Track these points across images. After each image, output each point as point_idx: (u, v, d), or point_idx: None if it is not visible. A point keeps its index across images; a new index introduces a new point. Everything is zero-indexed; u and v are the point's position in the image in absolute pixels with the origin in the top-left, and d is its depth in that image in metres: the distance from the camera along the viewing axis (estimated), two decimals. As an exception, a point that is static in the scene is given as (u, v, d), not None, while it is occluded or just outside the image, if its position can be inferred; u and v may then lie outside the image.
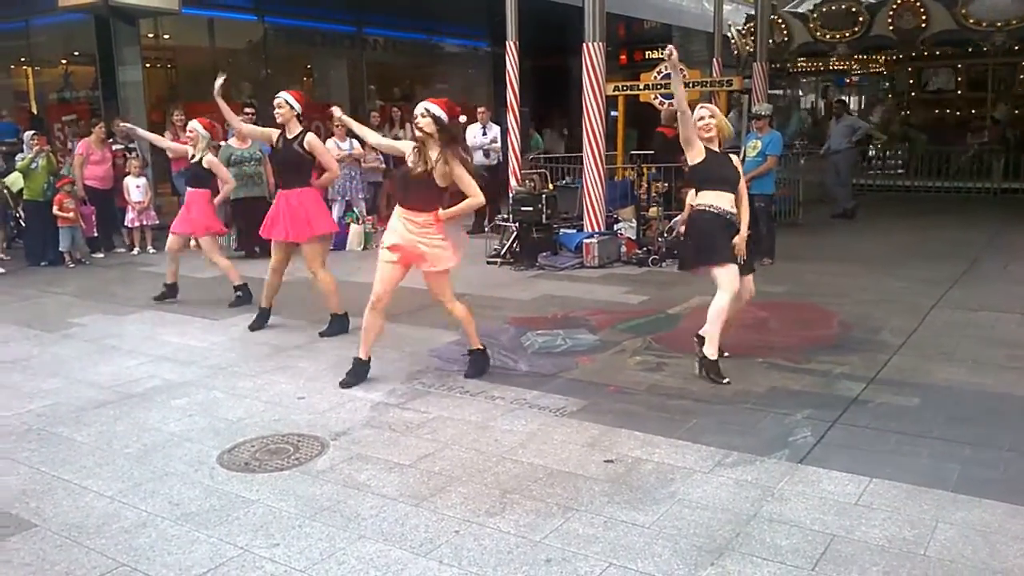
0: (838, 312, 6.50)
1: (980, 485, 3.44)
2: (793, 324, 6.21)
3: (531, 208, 9.23)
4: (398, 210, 4.98)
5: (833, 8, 13.44)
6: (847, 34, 13.42)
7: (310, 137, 6.05)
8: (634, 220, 9.56)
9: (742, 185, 5.16)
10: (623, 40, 19.44)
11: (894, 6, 12.83)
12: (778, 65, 16.12)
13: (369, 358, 5.11)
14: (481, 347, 5.25)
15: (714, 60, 15.23)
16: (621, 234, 9.44)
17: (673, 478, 3.62)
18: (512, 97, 10.63)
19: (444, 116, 4.82)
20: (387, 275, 4.96)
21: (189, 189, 7.37)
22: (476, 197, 4.97)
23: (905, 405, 4.46)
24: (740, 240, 4.99)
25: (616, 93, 12.05)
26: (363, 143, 11.08)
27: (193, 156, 7.26)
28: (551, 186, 10.28)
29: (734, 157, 5.29)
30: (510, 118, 10.71)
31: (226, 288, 7.34)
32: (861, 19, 13.17)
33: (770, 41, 14.32)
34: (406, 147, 5.12)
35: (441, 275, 5.03)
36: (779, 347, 5.57)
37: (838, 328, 6.13)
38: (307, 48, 15.43)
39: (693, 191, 5.29)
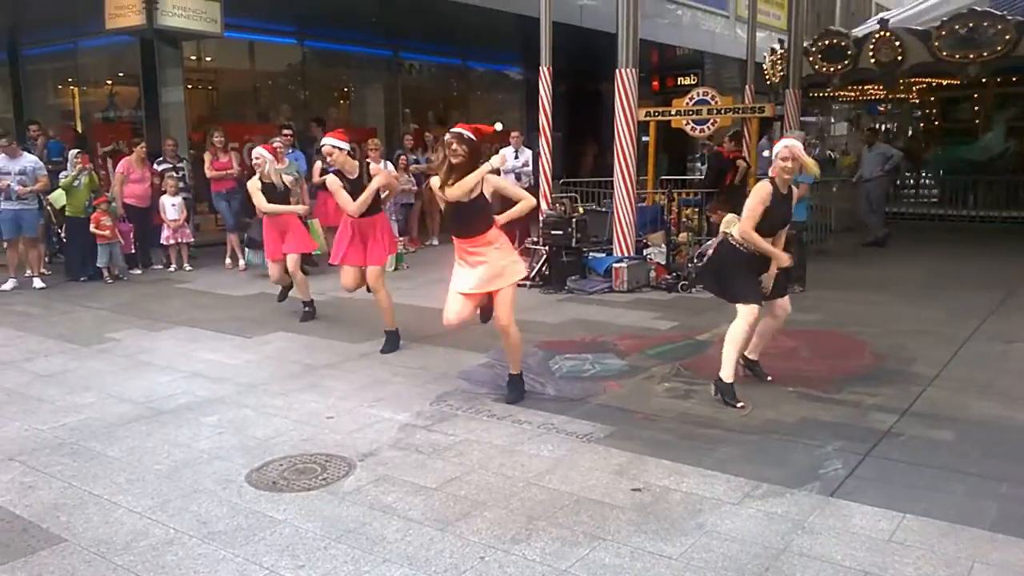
0: (870, 342, 6.42)
1: (1018, 524, 3.36)
2: (824, 353, 6.13)
3: (561, 232, 9.24)
4: (458, 247, 5.07)
5: (826, 43, 13.92)
6: (839, 67, 13.92)
7: (373, 168, 6.42)
8: (664, 245, 9.54)
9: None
10: (655, 66, 19.49)
11: (873, 40, 13.31)
12: (813, 93, 16.19)
13: (520, 372, 5.24)
14: (520, 372, 5.27)
15: (747, 87, 15.21)
16: (650, 259, 9.42)
17: (701, 509, 3.58)
18: (544, 121, 10.69)
19: (473, 137, 4.93)
20: (458, 300, 5.11)
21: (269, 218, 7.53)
22: (527, 200, 5.11)
23: (939, 439, 4.38)
24: (768, 278, 4.99)
25: (648, 119, 12.09)
26: (396, 166, 11.23)
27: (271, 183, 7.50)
28: (581, 210, 10.30)
29: (793, 189, 5.14)
30: (542, 142, 10.77)
31: (261, 306, 7.39)
32: (850, 53, 13.70)
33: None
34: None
35: (512, 290, 5.07)
36: (810, 377, 5.51)
37: (870, 358, 6.04)
38: (345, 71, 15.69)
39: (728, 216, 5.28)
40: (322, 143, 6.33)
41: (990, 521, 3.40)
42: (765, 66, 16.33)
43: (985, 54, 12.46)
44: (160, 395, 5.35)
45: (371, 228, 6.39)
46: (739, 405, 4.85)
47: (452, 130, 4.98)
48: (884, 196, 12.94)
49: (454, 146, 4.88)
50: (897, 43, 13.07)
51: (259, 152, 7.56)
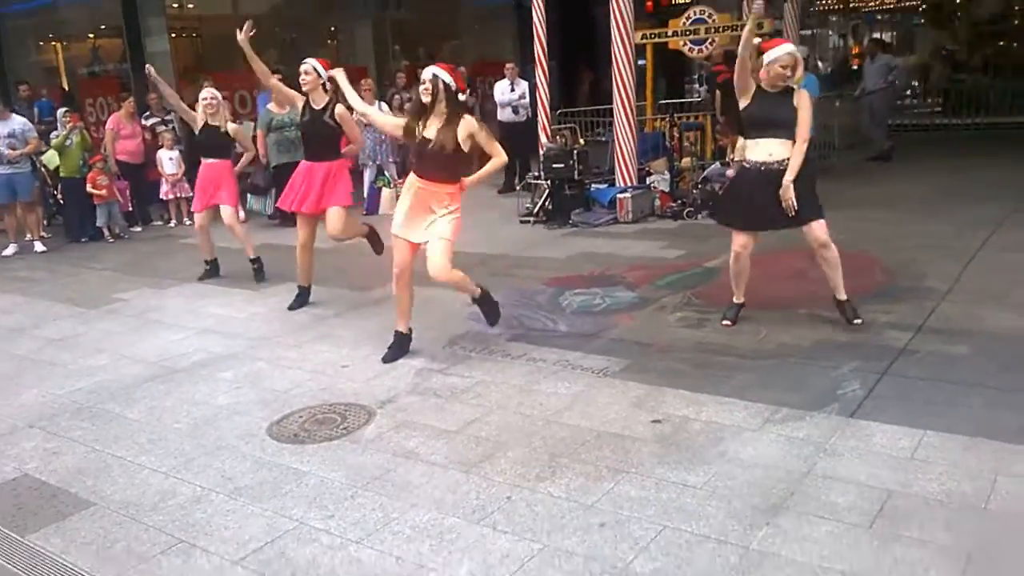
0: (880, 259, 6.37)
1: (1039, 435, 3.37)
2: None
3: (563, 165, 9.11)
4: (413, 179, 4.78)
5: None
6: None
7: (340, 109, 5.84)
8: (667, 172, 9.42)
9: (801, 127, 4.73)
10: (649, -14, 18.96)
11: None
12: (810, 5, 15.67)
13: (410, 330, 5.05)
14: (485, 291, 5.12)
15: (743, 3, 14.81)
16: (654, 187, 9.32)
17: (722, 437, 3.60)
18: (540, 52, 10.45)
19: (453, 85, 4.63)
20: (403, 249, 4.83)
21: (207, 160, 7.02)
22: (500, 157, 4.81)
23: (956, 354, 4.37)
24: (784, 192, 4.71)
25: (645, 41, 11.76)
26: (391, 106, 11.02)
27: (205, 124, 6.95)
28: (582, 141, 10.14)
29: (800, 95, 4.77)
30: (539, 73, 10.54)
31: (264, 257, 7.31)
32: None
33: None
34: (401, 122, 4.96)
35: (446, 243, 4.71)
36: (821, 297, 5.44)
37: (881, 276, 6.01)
38: (331, 11, 15.28)
39: (742, 141, 5.16)
40: (304, 61, 5.92)
41: (1011, 433, 3.41)
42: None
43: None
44: (173, 353, 5.35)
45: (330, 175, 5.96)
46: (724, 323, 5.09)
47: (431, 69, 4.68)
48: (887, 109, 12.69)
49: (426, 85, 4.63)
50: None
51: (212, 93, 7.09)
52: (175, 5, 12.72)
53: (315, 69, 5.85)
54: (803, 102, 4.74)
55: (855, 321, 4.85)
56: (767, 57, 4.74)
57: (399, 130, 4.94)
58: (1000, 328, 4.71)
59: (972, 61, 16.25)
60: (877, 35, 18.78)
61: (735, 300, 5.20)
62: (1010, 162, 11.07)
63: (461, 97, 4.72)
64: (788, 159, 4.73)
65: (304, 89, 5.91)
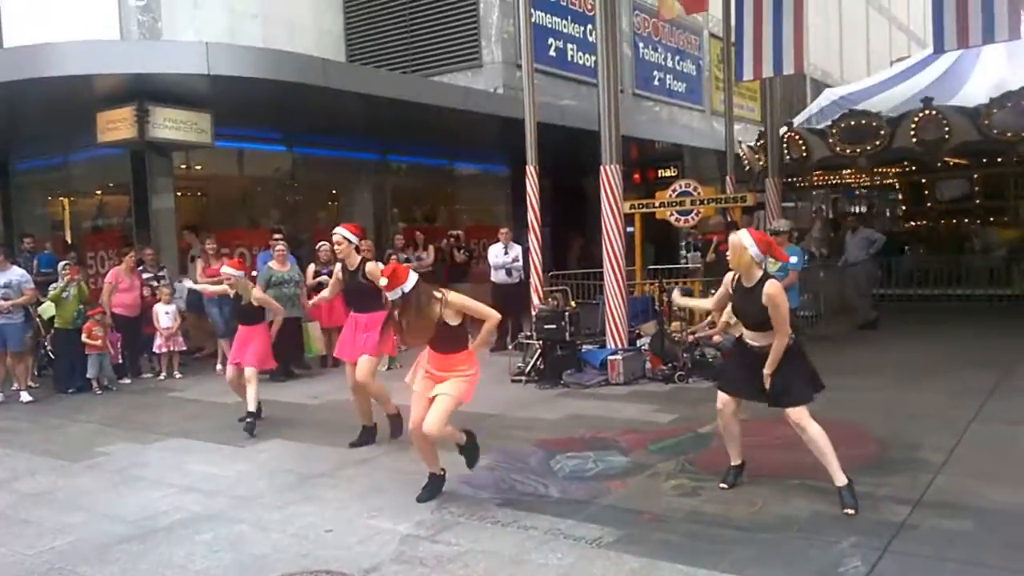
0: (872, 429, 6.35)
1: (1049, 620, 3.25)
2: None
3: (555, 326, 9.24)
4: (429, 357, 5.14)
5: (852, 123, 13.70)
6: (868, 147, 13.62)
7: (369, 267, 6.45)
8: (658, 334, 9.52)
9: (778, 327, 4.70)
10: (636, 160, 19.94)
11: (916, 119, 13.07)
12: (792, 179, 16.40)
13: (443, 471, 5.24)
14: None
15: (727, 177, 15.58)
16: (645, 350, 9.40)
17: (721, 616, 3.45)
18: (533, 218, 10.85)
19: (355, 239, 5.60)
20: (421, 404, 5.07)
21: (243, 327, 7.45)
22: (492, 318, 5.14)
23: (956, 530, 4.28)
24: (765, 377, 4.79)
25: (633, 211, 12.29)
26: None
27: (238, 296, 7.45)
28: (573, 303, 10.33)
29: (768, 290, 4.69)
30: (532, 238, 10.90)
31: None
32: (883, 132, 13.39)
33: (788, 157, 14.61)
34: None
35: (450, 400, 5.00)
36: (816, 468, 5.37)
37: (874, 446, 5.97)
38: (333, 175, 15.92)
39: (726, 313, 5.31)
40: (334, 232, 6.58)
41: (1020, 618, 3.29)
42: (744, 155, 16.71)
43: None
44: (153, 512, 5.18)
45: (371, 324, 6.40)
46: (721, 485, 5.10)
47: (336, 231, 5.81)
48: (870, 279, 13.06)
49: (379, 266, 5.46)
50: (944, 121, 12.76)
51: (228, 272, 7.48)
52: (183, 166, 13.25)
53: (345, 238, 6.51)
54: (773, 300, 4.65)
55: (846, 511, 4.56)
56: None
57: None
58: (999, 503, 4.64)
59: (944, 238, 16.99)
60: (856, 209, 19.59)
61: (731, 463, 5.16)
62: (990, 331, 11.30)
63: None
64: (768, 345, 4.76)
65: (339, 256, 6.63)
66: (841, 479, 4.70)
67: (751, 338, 4.92)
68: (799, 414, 4.75)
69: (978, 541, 4.11)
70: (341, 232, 6.52)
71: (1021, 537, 4.13)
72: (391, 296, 4.97)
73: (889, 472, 5.28)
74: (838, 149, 13.89)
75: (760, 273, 4.80)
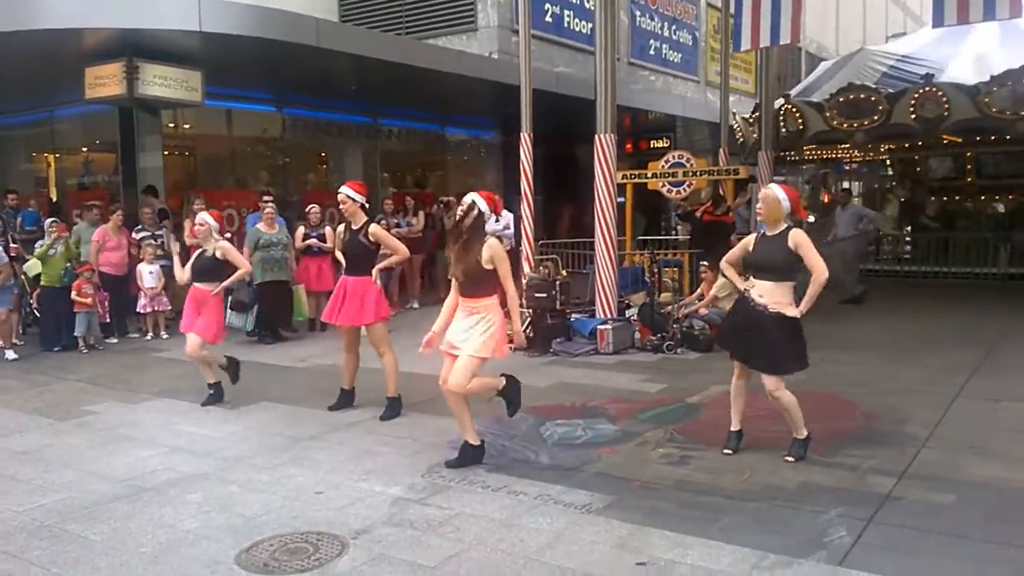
0: (859, 402, 6.41)
1: (1031, 592, 3.31)
2: (815, 416, 6.01)
3: (545, 295, 9.23)
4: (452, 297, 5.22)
5: (851, 97, 13.58)
6: (866, 123, 13.52)
7: (373, 227, 6.36)
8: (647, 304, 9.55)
9: (814, 269, 4.90)
10: (629, 130, 19.84)
11: (915, 95, 13.00)
12: (785, 153, 16.34)
13: (482, 442, 5.23)
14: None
15: (720, 149, 15.54)
16: (634, 320, 9.43)
17: (709, 582, 3.50)
18: (526, 185, 10.79)
19: (486, 212, 5.09)
20: (448, 361, 5.13)
21: (197, 284, 6.87)
22: (511, 294, 5.18)
23: (941, 503, 4.34)
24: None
25: (626, 181, 12.26)
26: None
27: (203, 250, 6.91)
28: (564, 272, 10.32)
29: (794, 234, 4.98)
30: (524, 205, 10.84)
31: (242, 374, 7.19)
32: (881, 108, 13.29)
33: (784, 130, 14.51)
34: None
35: (471, 360, 5.00)
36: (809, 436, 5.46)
37: (861, 419, 6.04)
38: (324, 137, 15.77)
39: (720, 281, 5.36)
40: (339, 190, 6.44)
41: (1002, 589, 3.35)
42: (738, 128, 16.64)
43: None
44: (142, 471, 5.18)
45: (359, 288, 6.35)
46: (725, 451, 5.21)
47: (470, 195, 5.16)
48: (859, 255, 13.10)
49: (463, 209, 5.10)
50: (944, 98, 12.64)
51: (204, 218, 6.96)
52: (171, 124, 13.07)
53: (349, 196, 6.36)
54: (801, 242, 4.93)
55: (786, 458, 5.00)
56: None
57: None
58: (983, 477, 4.70)
59: (935, 213, 17.01)
60: (846, 184, 19.57)
61: (731, 428, 5.30)
62: (975, 308, 11.40)
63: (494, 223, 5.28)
64: (774, 303, 4.95)
65: (345, 215, 6.48)
66: (801, 433, 5.07)
67: (760, 292, 5.01)
68: (776, 383, 4.99)
69: (961, 513, 4.18)
70: (346, 191, 6.38)
71: (1003, 510, 4.20)
72: (468, 220, 5.01)
73: (875, 445, 5.35)
74: (835, 123, 13.80)
75: (785, 225, 5.04)
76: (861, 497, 4.43)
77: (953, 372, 7.33)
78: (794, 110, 14.61)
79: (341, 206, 6.45)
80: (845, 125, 13.74)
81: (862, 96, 13.45)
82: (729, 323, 5.44)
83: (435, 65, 12.65)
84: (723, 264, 5.48)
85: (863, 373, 7.47)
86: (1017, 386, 6.84)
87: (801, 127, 14.52)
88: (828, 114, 13.83)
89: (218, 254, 6.88)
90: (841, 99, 13.62)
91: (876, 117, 13.31)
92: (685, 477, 4.85)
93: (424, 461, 5.24)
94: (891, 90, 13.25)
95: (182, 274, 7.05)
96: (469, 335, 5.03)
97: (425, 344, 5.26)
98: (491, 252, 5.01)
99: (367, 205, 6.51)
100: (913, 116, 12.97)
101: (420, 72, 12.40)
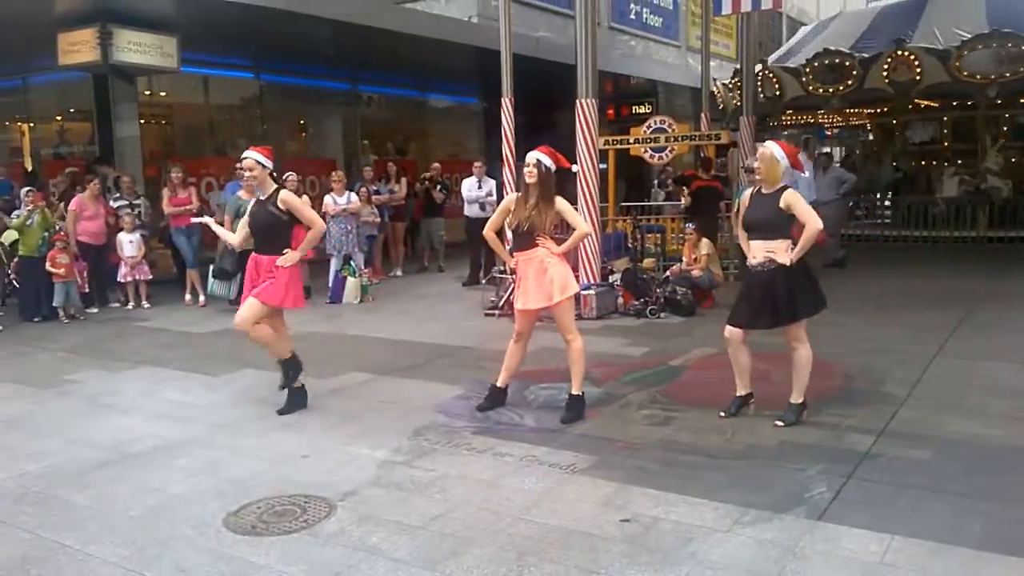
0: (838, 363, 6.50)
1: (1003, 542, 3.40)
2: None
3: (528, 261, 9.22)
4: (518, 257, 5.36)
5: (826, 63, 13.60)
6: (841, 88, 13.55)
7: (284, 194, 5.44)
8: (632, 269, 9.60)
9: (807, 220, 4.89)
10: (610, 95, 19.78)
11: (888, 60, 13.03)
12: (766, 119, 16.37)
13: (506, 387, 5.52)
14: (580, 393, 5.40)
15: (702, 114, 15.51)
16: (617, 286, 9.47)
17: (692, 538, 3.56)
18: (508, 152, 10.74)
19: (553, 167, 5.25)
20: (525, 319, 5.51)
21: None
22: (582, 228, 5.45)
23: (918, 459, 4.43)
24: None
25: (609, 147, 12.24)
26: (360, 197, 11.15)
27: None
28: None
29: (787, 194, 4.96)
30: (506, 172, 10.81)
31: (224, 343, 7.20)
32: (855, 73, 13.32)
33: (762, 95, 14.51)
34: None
35: (568, 303, 5.29)
36: (785, 399, 5.53)
37: (841, 379, 6.12)
38: (302, 104, 15.61)
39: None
40: (244, 155, 5.50)
41: (976, 539, 3.43)
42: (719, 93, 16.61)
43: (1008, 74, 12.37)
44: (127, 438, 5.18)
45: (272, 268, 5.46)
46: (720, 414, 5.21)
47: (534, 154, 5.25)
48: (840, 219, 13.19)
49: (530, 169, 5.20)
50: (916, 62, 12.80)
51: (254, 158, 5.49)
52: (147, 92, 12.87)
53: (258, 162, 5.40)
54: (793, 201, 4.94)
55: (776, 423, 5.01)
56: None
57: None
58: (959, 434, 4.80)
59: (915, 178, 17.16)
60: (827, 149, 19.69)
61: (736, 392, 5.32)
62: (952, 271, 11.55)
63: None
64: (767, 261, 4.97)
65: (253, 184, 5.70)
66: (799, 398, 5.10)
67: (757, 250, 5.03)
68: (799, 330, 5.07)
69: (938, 469, 4.26)
70: (253, 155, 5.37)
71: (978, 466, 4.29)
72: (535, 177, 5.16)
73: (855, 404, 5.44)
74: (811, 88, 13.83)
75: (781, 184, 5.07)
76: (841, 455, 4.51)
77: (932, 332, 7.44)
78: (771, 76, 14.61)
79: (247, 173, 5.53)
80: (821, 90, 13.80)
81: (836, 61, 13.50)
82: (741, 300, 5.20)
83: (413, 30, 12.51)
84: (738, 231, 5.40)
85: (844, 334, 7.54)
86: (994, 346, 6.96)
87: (779, 92, 14.54)
88: (804, 79, 13.86)
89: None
90: (816, 64, 13.66)
91: (851, 82, 13.39)
92: (668, 437, 4.92)
93: (409, 425, 5.26)
94: (865, 55, 13.29)
95: (236, 237, 5.95)
96: (552, 275, 5.20)
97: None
98: (561, 206, 5.25)
99: (275, 175, 5.60)
100: (887, 80, 13.04)
101: (398, 36, 12.27)
